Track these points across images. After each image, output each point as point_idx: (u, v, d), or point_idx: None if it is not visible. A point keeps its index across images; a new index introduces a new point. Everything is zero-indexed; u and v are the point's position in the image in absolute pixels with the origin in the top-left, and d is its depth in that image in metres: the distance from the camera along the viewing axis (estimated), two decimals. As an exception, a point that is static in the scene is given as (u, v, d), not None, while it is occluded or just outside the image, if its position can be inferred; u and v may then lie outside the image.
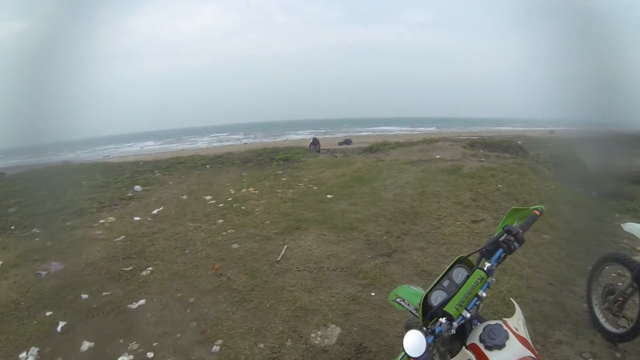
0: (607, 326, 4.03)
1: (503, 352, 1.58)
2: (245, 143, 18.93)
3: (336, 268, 5.07)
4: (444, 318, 1.63)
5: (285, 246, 5.70)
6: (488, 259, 1.81)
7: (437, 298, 1.74)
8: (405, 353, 1.47)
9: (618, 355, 3.78)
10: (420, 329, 1.55)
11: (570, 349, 3.84)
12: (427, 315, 1.75)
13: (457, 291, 1.69)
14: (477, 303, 1.72)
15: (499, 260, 1.82)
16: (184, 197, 9.08)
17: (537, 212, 1.91)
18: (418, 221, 6.42)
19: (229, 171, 11.85)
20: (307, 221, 6.70)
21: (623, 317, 3.99)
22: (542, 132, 22.01)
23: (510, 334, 1.63)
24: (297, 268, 5.10)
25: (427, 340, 1.49)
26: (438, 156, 11.77)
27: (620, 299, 3.85)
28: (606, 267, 4.16)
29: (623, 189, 5.64)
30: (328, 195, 8.32)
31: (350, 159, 12.98)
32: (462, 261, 1.84)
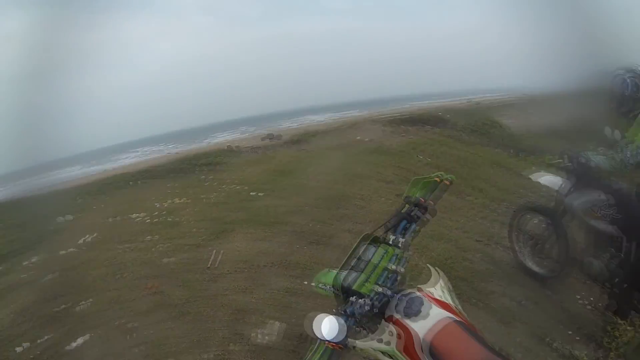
0: (535, 269, 4.37)
1: (421, 319, 1.56)
2: (168, 153, 18.44)
3: (267, 264, 5.13)
4: (355, 297, 1.61)
5: (214, 251, 5.65)
6: (394, 232, 1.81)
7: (348, 277, 1.69)
8: (323, 339, 1.46)
9: (548, 292, 4.08)
10: (335, 312, 1.55)
11: (504, 297, 4.17)
12: (343, 296, 1.70)
13: (364, 268, 1.68)
14: (393, 277, 1.71)
15: (406, 232, 1.82)
16: (111, 219, 8.70)
17: (447, 182, 1.91)
18: (343, 204, 6.60)
19: (154, 185, 11.48)
20: (233, 222, 6.67)
21: (547, 257, 4.30)
22: (461, 102, 22.73)
23: (427, 300, 1.63)
24: (229, 271, 5.11)
25: (342, 322, 1.48)
26: (359, 138, 12.01)
27: (540, 242, 4.12)
28: (524, 216, 4.42)
29: (539, 144, 6.00)
30: (252, 193, 8.27)
31: (273, 153, 12.92)
32: (368, 238, 1.79)
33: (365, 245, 1.77)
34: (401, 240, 1.76)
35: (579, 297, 4.07)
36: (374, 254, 1.71)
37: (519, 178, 7.25)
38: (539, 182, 4.39)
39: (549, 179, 4.29)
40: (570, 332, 3.66)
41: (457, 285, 4.16)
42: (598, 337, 3.56)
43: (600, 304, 3.89)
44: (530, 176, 4.37)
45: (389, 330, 1.58)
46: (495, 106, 17.91)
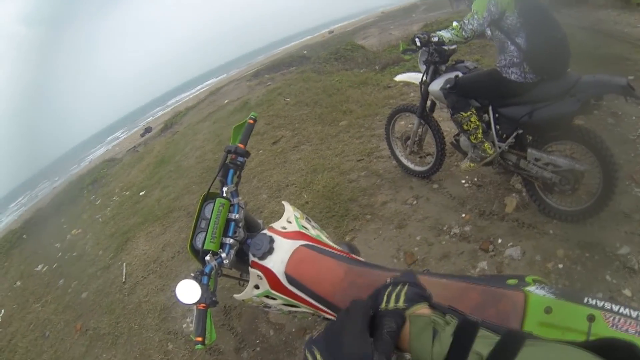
0: (417, 168, 4.51)
1: (274, 255, 1.68)
2: (54, 188, 17.41)
3: (174, 255, 5.18)
4: (208, 255, 1.65)
5: (124, 264, 5.61)
6: (226, 184, 1.83)
7: (198, 240, 1.73)
8: (186, 304, 1.48)
9: (435, 186, 4.32)
10: (192, 276, 1.55)
11: (395, 203, 4.28)
12: (200, 259, 1.72)
13: (207, 227, 1.70)
14: (237, 226, 1.79)
15: (236, 180, 1.86)
16: (18, 282, 8.12)
17: (251, 120, 1.95)
18: (224, 169, 6.59)
19: (47, 227, 10.78)
20: (131, 229, 6.57)
21: (426, 155, 4.45)
22: (323, 35, 22.76)
23: (275, 235, 1.73)
24: (143, 276, 5.11)
25: (194, 283, 1.49)
26: (226, 101, 11.87)
27: (416, 139, 4.37)
28: (397, 121, 4.55)
29: (400, 56, 6.29)
30: (141, 193, 8.14)
31: (149, 146, 12.57)
32: (208, 197, 1.83)
33: (207, 205, 1.82)
34: (224, 189, 1.82)
35: (463, 181, 4.31)
36: (212, 210, 1.74)
37: (388, 90, 7.37)
38: (401, 82, 4.59)
39: (408, 75, 4.28)
40: (463, 215, 3.83)
41: (348, 208, 4.33)
42: (482, 207, 3.82)
43: (478, 180, 4.21)
44: (394, 79, 4.55)
45: (256, 275, 1.68)
46: (356, 29, 18.24)
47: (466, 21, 3.20)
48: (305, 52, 14.94)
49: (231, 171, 1.85)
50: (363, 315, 0.82)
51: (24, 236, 11.30)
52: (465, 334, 0.70)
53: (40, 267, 8.02)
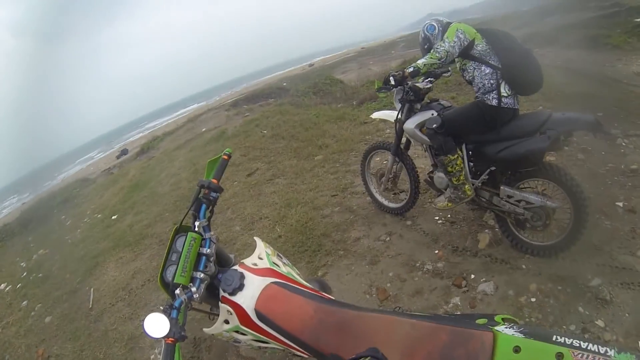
0: (391, 205, 4.59)
1: (245, 291, 1.70)
2: (23, 204, 17.02)
3: (144, 282, 5.14)
4: (178, 289, 1.62)
5: (92, 289, 5.53)
6: (198, 218, 1.82)
7: (169, 273, 1.70)
8: (154, 337, 1.43)
9: (409, 222, 4.40)
10: (162, 309, 1.51)
11: (368, 239, 4.33)
12: (170, 292, 1.69)
13: (179, 260, 1.68)
14: (209, 260, 1.77)
15: (208, 215, 1.85)
16: None
17: (225, 156, 1.93)
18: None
19: (13, 246, 10.48)
20: (101, 254, 6.50)
21: (400, 191, 4.58)
22: (303, 67, 23.02)
23: (246, 272, 1.76)
24: (111, 303, 5.03)
25: (163, 317, 1.45)
26: (204, 129, 11.88)
27: (391, 176, 4.45)
28: (372, 158, 4.65)
29: (375, 92, 6.39)
30: (113, 217, 8.05)
31: (125, 169, 12.47)
32: (180, 230, 1.80)
33: (179, 238, 1.78)
34: (196, 224, 1.80)
35: (437, 217, 4.37)
36: (183, 244, 1.72)
37: (364, 126, 7.53)
38: (377, 119, 4.68)
39: (384, 113, 4.37)
40: (436, 251, 3.88)
41: (321, 243, 4.38)
42: (455, 243, 3.91)
43: (451, 217, 4.31)
44: (371, 116, 4.64)
45: (226, 310, 1.70)
46: (335, 64, 18.49)
47: (438, 46, 3.41)
48: (284, 84, 15.08)
49: (204, 206, 1.85)
50: None
51: (-12, 254, 10.97)
52: None
53: (3, 285, 7.79)
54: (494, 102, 3.28)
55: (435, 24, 3.68)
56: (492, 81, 3.29)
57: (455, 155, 3.50)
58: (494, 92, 3.28)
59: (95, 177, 13.57)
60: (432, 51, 3.41)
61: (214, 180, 1.87)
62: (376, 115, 4.53)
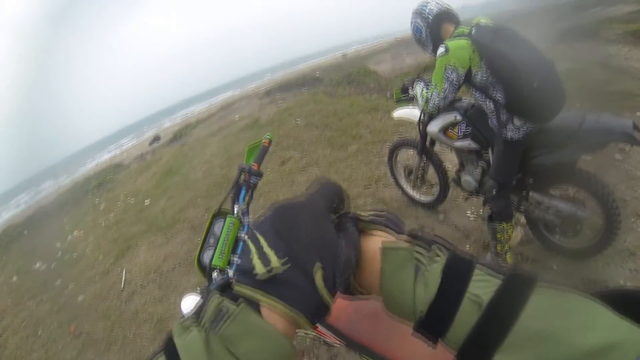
0: (422, 198, 4.49)
1: None
2: (59, 187, 17.31)
3: (174, 266, 5.13)
4: (215, 272, 1.61)
5: (124, 271, 5.58)
6: (237, 202, 1.81)
7: (206, 256, 1.69)
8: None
9: (441, 216, 4.29)
10: (199, 290, 1.48)
11: None
12: (207, 275, 1.67)
13: (216, 243, 1.67)
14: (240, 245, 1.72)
15: (247, 199, 1.83)
16: (15, 277, 8.15)
17: (266, 142, 1.90)
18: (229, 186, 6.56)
19: (49, 225, 10.76)
20: (134, 237, 6.55)
21: (430, 185, 4.46)
22: (336, 57, 22.76)
23: None
24: (142, 285, 5.06)
25: (199, 298, 1.48)
26: (237, 117, 11.85)
27: (419, 174, 4.36)
28: (399, 153, 4.49)
29: (395, 102, 6.15)
30: (146, 201, 8.12)
31: (157, 155, 12.51)
32: (219, 214, 1.78)
33: (217, 221, 1.76)
34: (235, 208, 1.79)
35: (468, 212, 4.33)
36: (221, 228, 1.69)
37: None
38: (400, 118, 4.50)
39: (406, 112, 4.17)
40: (467, 247, 3.74)
41: None
42: (486, 239, 3.72)
43: (483, 213, 4.14)
44: (392, 115, 4.48)
45: None
46: (369, 54, 18.24)
47: (428, 96, 3.06)
48: (318, 73, 14.92)
49: (243, 190, 1.83)
50: (326, 197, 0.65)
51: (25, 232, 11.33)
52: (457, 273, 0.53)
53: (38, 264, 7.96)
54: (515, 136, 2.91)
55: (420, 24, 3.20)
56: (502, 116, 2.88)
57: (509, 224, 3.24)
58: (508, 126, 2.89)
59: (129, 163, 13.68)
60: (424, 102, 3.14)
61: (255, 165, 1.85)
62: (398, 114, 4.24)
